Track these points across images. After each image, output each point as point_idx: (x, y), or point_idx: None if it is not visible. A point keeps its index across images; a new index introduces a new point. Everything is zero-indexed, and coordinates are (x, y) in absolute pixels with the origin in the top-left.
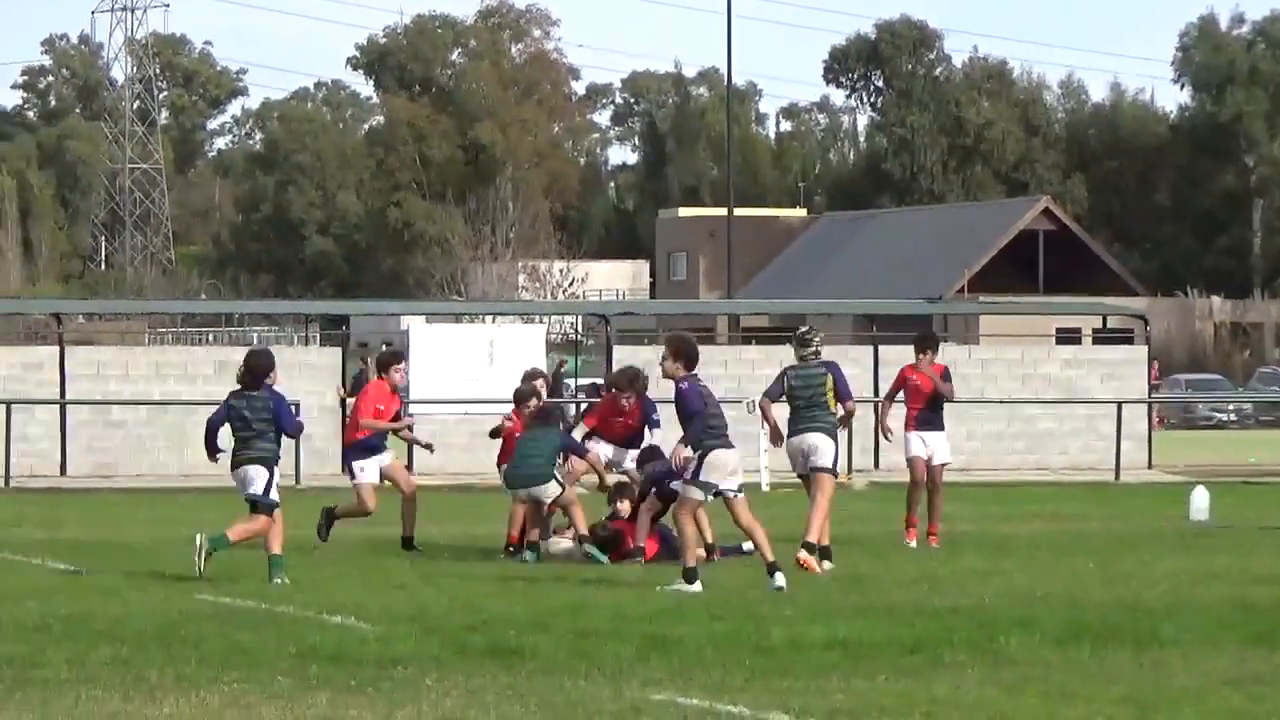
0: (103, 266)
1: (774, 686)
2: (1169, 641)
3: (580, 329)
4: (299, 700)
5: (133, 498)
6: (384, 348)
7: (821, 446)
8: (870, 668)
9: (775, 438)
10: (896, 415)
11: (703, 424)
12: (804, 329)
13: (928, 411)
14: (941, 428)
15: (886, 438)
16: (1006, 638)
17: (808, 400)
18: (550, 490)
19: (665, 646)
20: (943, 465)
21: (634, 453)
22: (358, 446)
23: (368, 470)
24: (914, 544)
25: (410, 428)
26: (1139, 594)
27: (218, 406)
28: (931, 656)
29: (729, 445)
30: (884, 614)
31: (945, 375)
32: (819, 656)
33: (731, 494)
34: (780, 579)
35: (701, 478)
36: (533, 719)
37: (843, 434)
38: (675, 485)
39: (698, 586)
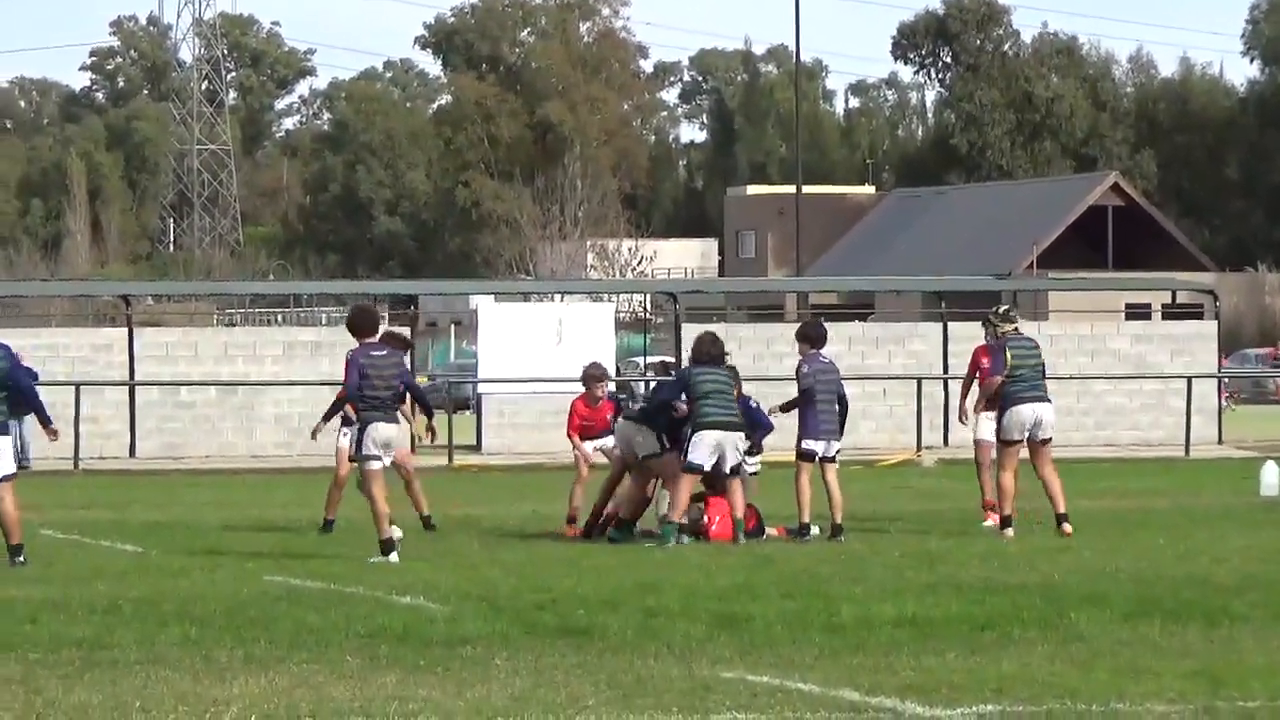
0: (171, 248)
1: (844, 664)
2: (1239, 618)
3: (649, 308)
4: (368, 680)
5: (201, 479)
6: (453, 326)
7: (1050, 419)
8: (940, 645)
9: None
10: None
11: (353, 395)
12: (1004, 306)
13: None
14: None
15: (962, 420)
16: (1076, 614)
17: (1032, 370)
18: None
19: (735, 625)
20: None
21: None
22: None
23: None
24: (990, 524)
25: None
26: (1209, 570)
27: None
28: (1001, 633)
29: (389, 420)
30: (954, 591)
31: None
32: (889, 634)
33: (376, 466)
34: (393, 557)
35: (364, 451)
36: (602, 698)
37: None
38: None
39: (393, 558)
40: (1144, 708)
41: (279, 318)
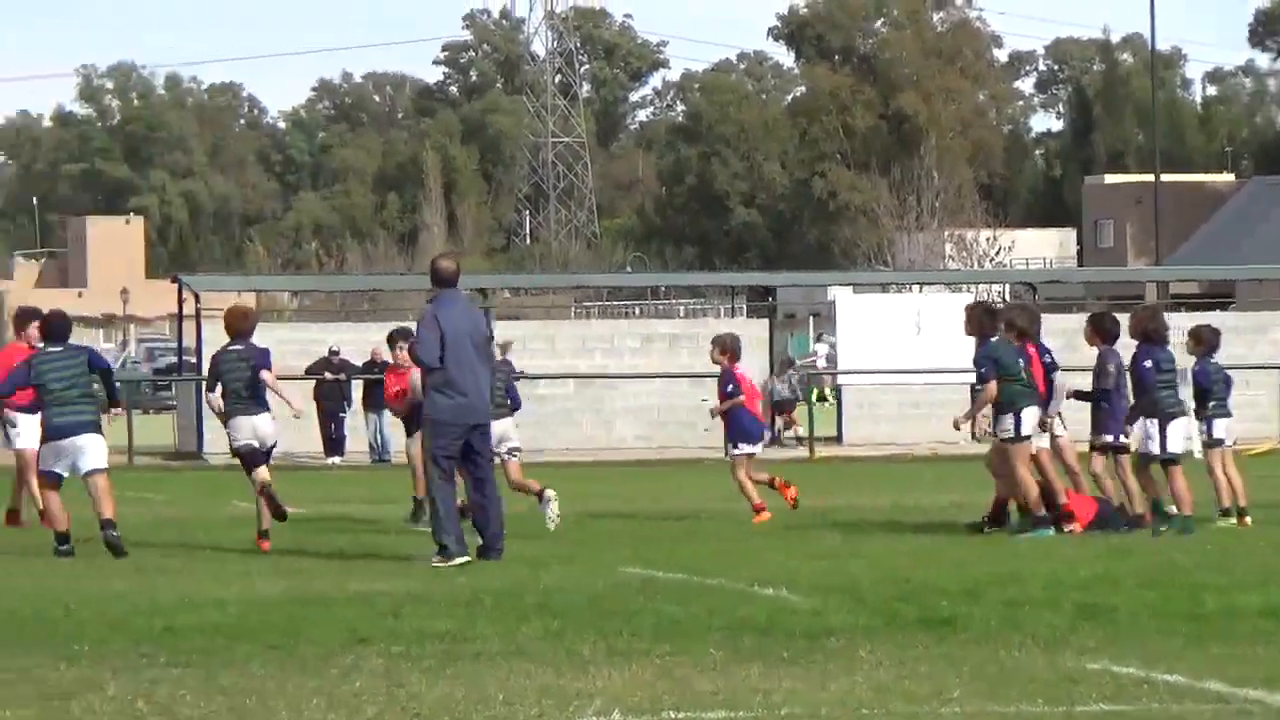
0: (527, 240)
1: (1209, 654)
2: None
3: (1008, 298)
4: (731, 673)
5: (559, 471)
6: (811, 318)
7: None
8: None
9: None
10: None
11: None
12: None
13: None
14: None
15: None
16: None
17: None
18: None
19: (1098, 615)
20: None
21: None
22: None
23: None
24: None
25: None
26: None
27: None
28: None
29: (250, 412)
30: None
31: None
32: (1254, 623)
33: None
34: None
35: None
36: (967, 689)
37: None
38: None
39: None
40: None
41: (636, 310)
